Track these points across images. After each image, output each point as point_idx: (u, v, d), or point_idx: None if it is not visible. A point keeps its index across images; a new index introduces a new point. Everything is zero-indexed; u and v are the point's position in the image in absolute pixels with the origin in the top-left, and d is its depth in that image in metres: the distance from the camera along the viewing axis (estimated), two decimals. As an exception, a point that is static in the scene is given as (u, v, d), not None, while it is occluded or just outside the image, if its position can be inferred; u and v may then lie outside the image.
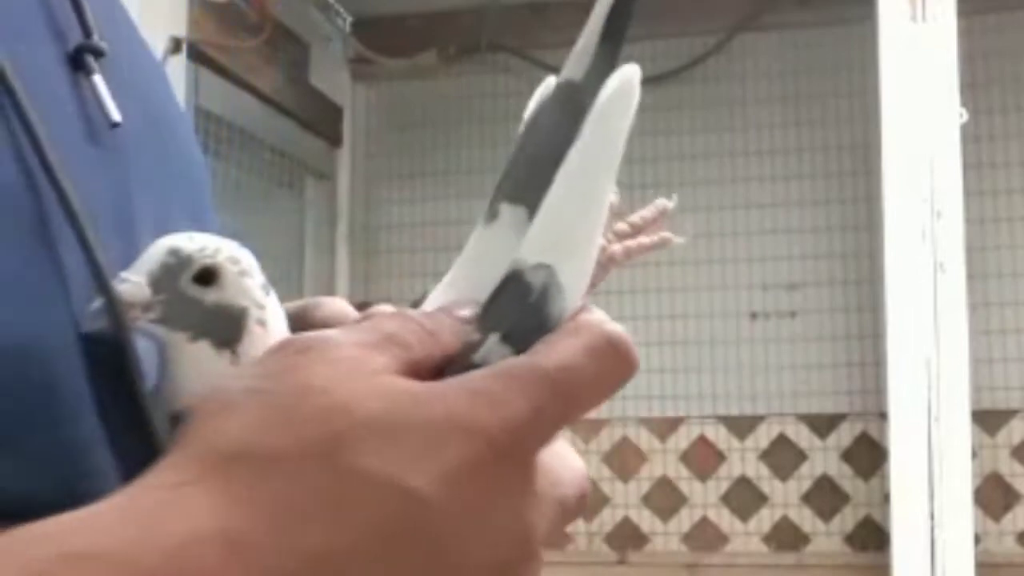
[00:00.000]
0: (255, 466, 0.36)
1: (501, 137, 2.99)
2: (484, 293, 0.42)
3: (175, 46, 2.24)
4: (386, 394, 0.37)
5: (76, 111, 0.46)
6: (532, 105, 0.46)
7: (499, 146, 2.98)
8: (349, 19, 3.02)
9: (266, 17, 2.55)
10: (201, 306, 0.43)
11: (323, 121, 3.01)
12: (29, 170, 0.41)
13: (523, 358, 0.39)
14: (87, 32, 0.49)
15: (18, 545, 0.34)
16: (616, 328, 0.40)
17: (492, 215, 0.45)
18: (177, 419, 0.41)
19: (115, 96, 0.47)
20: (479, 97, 3.06)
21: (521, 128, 0.46)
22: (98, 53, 0.48)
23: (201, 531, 0.35)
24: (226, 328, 0.44)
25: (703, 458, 2.89)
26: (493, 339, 0.40)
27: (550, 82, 0.46)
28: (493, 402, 0.37)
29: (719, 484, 2.88)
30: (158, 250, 0.43)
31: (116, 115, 0.47)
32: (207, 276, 0.43)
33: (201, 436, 0.37)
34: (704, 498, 2.88)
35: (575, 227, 0.42)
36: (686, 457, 2.90)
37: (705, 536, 2.87)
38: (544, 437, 0.38)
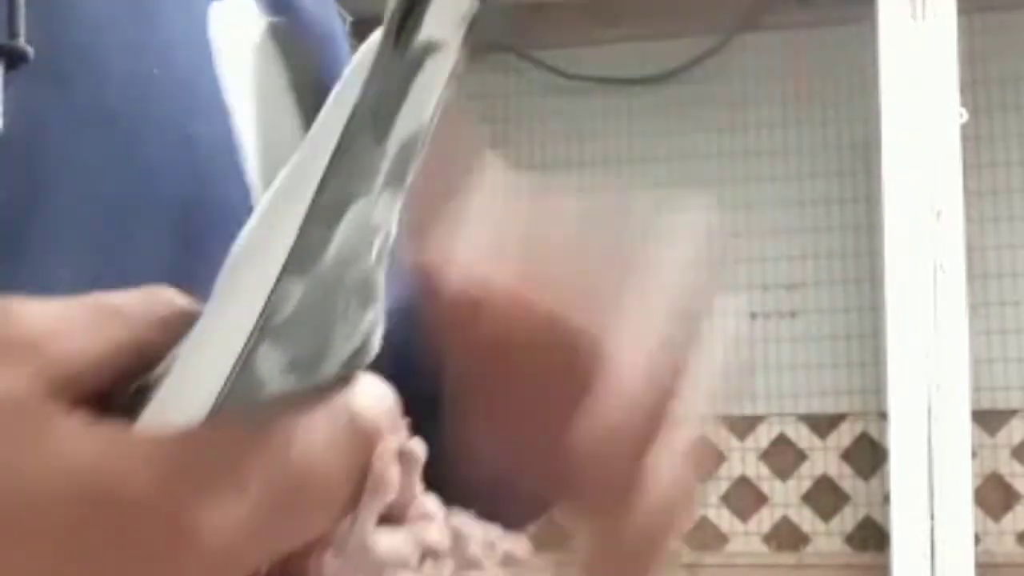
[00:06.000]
0: None
1: (501, 137, 2.98)
2: None
3: (175, 46, 2.24)
4: None
5: None
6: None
7: (499, 146, 2.97)
8: (349, 19, 3.01)
9: (266, 17, 2.55)
10: None
11: (323, 121, 3.01)
12: None
13: None
14: (13, 33, 0.45)
15: None
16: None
17: None
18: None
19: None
20: (479, 97, 3.06)
21: None
22: (19, 56, 0.44)
23: None
24: None
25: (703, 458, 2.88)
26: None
27: None
28: None
29: (719, 484, 2.87)
30: None
31: None
32: None
33: None
34: (704, 498, 2.88)
35: None
36: (686, 457, 2.89)
37: (705, 536, 2.87)
38: None
